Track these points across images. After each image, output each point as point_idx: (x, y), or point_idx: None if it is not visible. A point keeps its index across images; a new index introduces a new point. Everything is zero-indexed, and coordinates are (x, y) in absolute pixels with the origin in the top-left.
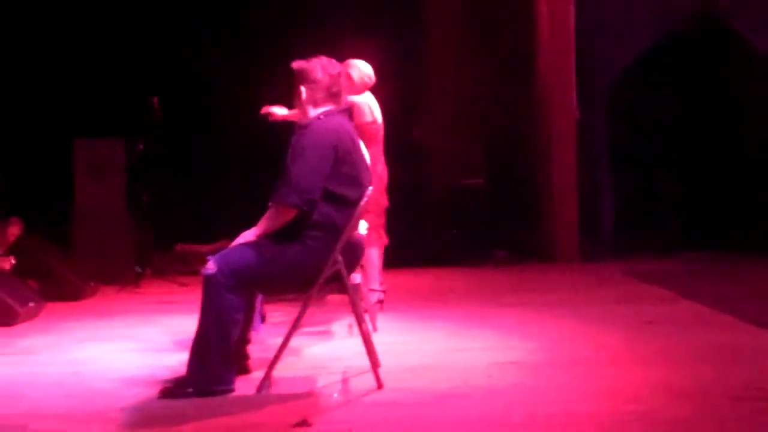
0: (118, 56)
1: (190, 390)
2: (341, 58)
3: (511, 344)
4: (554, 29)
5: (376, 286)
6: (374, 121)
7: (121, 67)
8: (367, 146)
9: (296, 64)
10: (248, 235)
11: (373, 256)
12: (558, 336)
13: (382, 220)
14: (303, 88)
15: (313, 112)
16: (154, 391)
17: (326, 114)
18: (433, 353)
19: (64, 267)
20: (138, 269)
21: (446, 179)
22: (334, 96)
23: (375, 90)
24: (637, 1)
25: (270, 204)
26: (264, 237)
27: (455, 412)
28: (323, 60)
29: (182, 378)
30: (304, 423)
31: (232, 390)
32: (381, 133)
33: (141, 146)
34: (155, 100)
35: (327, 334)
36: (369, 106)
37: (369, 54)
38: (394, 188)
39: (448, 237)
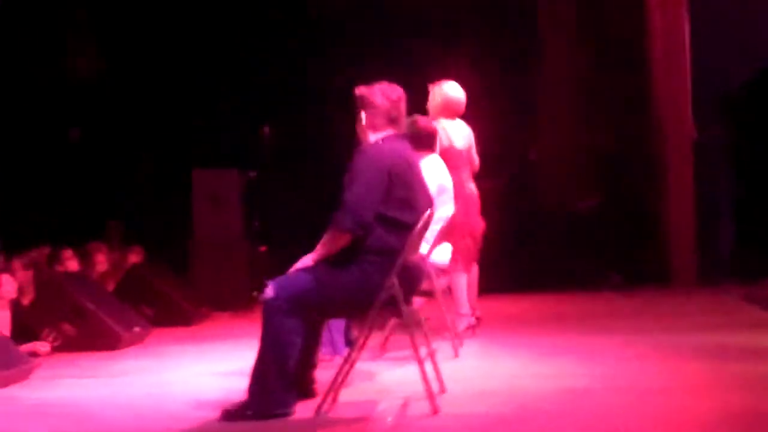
0: (232, 86)
1: (250, 413)
2: (459, 80)
3: (587, 371)
4: (668, 46)
5: (465, 311)
6: (450, 147)
7: (234, 97)
8: (449, 171)
9: (358, 90)
10: (306, 260)
11: (461, 281)
12: (641, 363)
13: (473, 245)
14: (363, 113)
15: (373, 137)
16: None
17: (384, 139)
18: (501, 379)
19: (176, 293)
20: (254, 294)
21: (561, 202)
22: (393, 121)
23: (492, 112)
24: (759, 12)
25: (327, 229)
26: (321, 262)
27: None
28: (384, 85)
29: (243, 401)
30: None
31: (291, 413)
32: (464, 157)
33: (254, 175)
34: (266, 129)
35: (405, 359)
36: (446, 131)
37: (485, 77)
38: (508, 211)
39: (563, 262)
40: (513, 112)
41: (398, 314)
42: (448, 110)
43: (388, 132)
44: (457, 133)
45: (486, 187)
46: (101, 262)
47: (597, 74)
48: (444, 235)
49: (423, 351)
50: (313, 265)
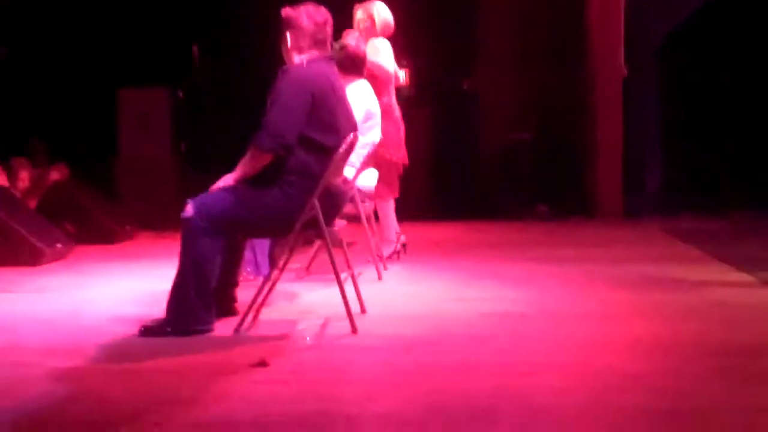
0: (160, 4)
1: (169, 329)
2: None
3: (509, 296)
4: None
5: (391, 237)
6: (382, 68)
7: (163, 16)
8: (377, 93)
9: (284, 11)
10: (227, 179)
11: (388, 207)
12: (562, 290)
13: (395, 173)
14: (288, 35)
15: (298, 58)
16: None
17: (309, 60)
18: (423, 302)
19: (100, 211)
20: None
21: (494, 133)
22: (319, 43)
23: (430, 40)
24: None
25: (248, 148)
26: (242, 181)
27: (415, 358)
28: (310, 7)
29: (163, 318)
30: (261, 363)
31: (210, 330)
32: (392, 78)
33: (182, 94)
34: (195, 47)
35: (328, 281)
36: (379, 51)
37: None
38: (443, 140)
39: (493, 192)
40: (451, 40)
41: (319, 235)
42: (382, 30)
43: (313, 54)
44: (388, 54)
45: (421, 113)
46: (24, 178)
47: (535, 12)
48: (370, 160)
49: (345, 273)
50: (234, 184)
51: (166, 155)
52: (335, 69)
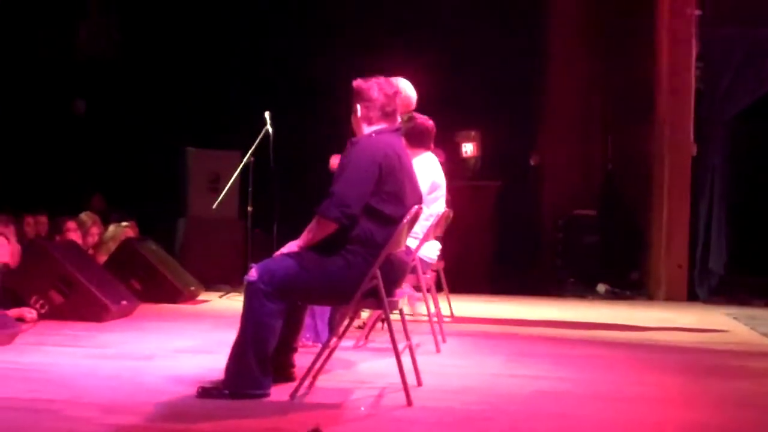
0: (237, 71)
1: (226, 392)
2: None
3: (564, 375)
4: (674, 65)
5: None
6: None
7: (240, 82)
8: None
9: (355, 83)
10: (292, 246)
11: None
12: (618, 372)
13: None
14: (359, 106)
15: (367, 129)
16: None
17: (377, 132)
18: (479, 377)
19: (166, 270)
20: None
21: (559, 208)
22: (388, 115)
23: (499, 113)
24: (762, 41)
25: (314, 216)
26: (306, 248)
27: None
28: (381, 80)
29: (221, 380)
30: (315, 431)
31: (266, 395)
32: None
33: (253, 159)
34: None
35: (386, 351)
36: None
37: (496, 78)
38: (508, 213)
39: (555, 267)
40: (520, 113)
41: (379, 306)
42: (402, 106)
43: (382, 126)
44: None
45: (487, 185)
46: (94, 233)
47: (603, 87)
48: (433, 232)
49: (403, 344)
50: (298, 250)
51: (233, 217)
52: (402, 141)
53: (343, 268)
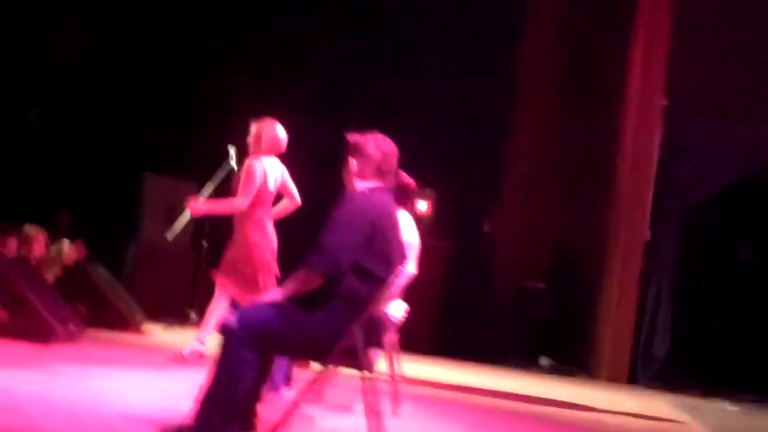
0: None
1: None
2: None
3: None
4: (637, 146)
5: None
6: (265, 186)
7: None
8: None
9: (351, 137)
10: (274, 295)
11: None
12: None
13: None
14: (354, 160)
15: (360, 185)
16: None
17: (372, 190)
18: None
19: (115, 298)
20: (189, 312)
21: (509, 278)
22: (382, 173)
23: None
24: (726, 136)
25: (300, 267)
26: (289, 299)
27: None
28: (378, 136)
29: (186, 425)
30: None
31: None
32: (272, 197)
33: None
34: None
35: (350, 408)
36: (266, 169)
37: (458, 137)
38: (458, 276)
39: (499, 336)
40: (475, 180)
41: (356, 364)
42: (273, 148)
43: (377, 184)
44: (273, 173)
45: (440, 245)
46: (37, 249)
47: (562, 162)
48: (401, 291)
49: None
50: (280, 301)
51: (185, 248)
52: (393, 200)
53: (324, 323)
